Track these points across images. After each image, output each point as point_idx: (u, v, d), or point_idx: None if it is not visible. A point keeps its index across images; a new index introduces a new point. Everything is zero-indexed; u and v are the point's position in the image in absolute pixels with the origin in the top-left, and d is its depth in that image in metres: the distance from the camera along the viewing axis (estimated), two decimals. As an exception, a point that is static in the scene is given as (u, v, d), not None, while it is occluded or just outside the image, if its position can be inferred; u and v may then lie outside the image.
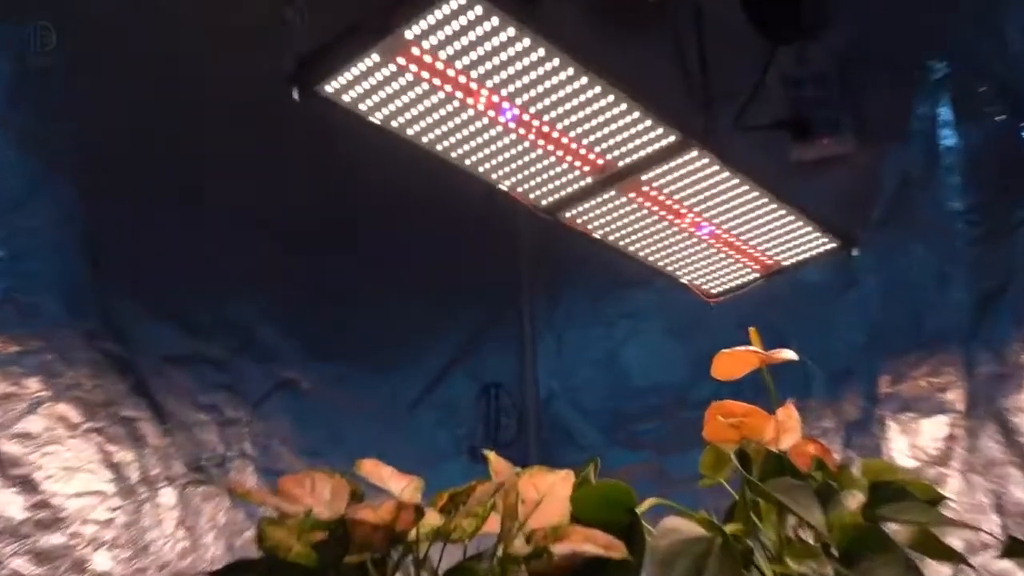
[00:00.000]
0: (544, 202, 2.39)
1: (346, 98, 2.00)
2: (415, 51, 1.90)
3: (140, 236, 2.68)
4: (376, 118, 2.05)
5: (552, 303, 3.73)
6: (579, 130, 2.15)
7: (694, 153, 2.25)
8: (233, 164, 2.90)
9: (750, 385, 1.41)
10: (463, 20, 1.84)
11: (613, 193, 2.37)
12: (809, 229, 2.53)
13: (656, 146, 2.23)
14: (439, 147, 2.16)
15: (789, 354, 1.27)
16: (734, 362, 1.28)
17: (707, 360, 1.36)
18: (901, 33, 3.17)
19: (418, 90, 1.99)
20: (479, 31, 1.87)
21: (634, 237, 2.55)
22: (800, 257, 2.63)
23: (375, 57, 1.90)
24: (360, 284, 3.21)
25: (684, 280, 2.72)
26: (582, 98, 2.06)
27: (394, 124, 2.08)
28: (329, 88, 1.98)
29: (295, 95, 1.94)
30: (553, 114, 2.10)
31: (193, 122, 2.81)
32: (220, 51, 2.81)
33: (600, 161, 2.26)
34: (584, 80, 2.00)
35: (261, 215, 2.95)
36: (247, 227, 2.89)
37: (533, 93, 2.03)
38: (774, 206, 2.45)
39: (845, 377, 3.10)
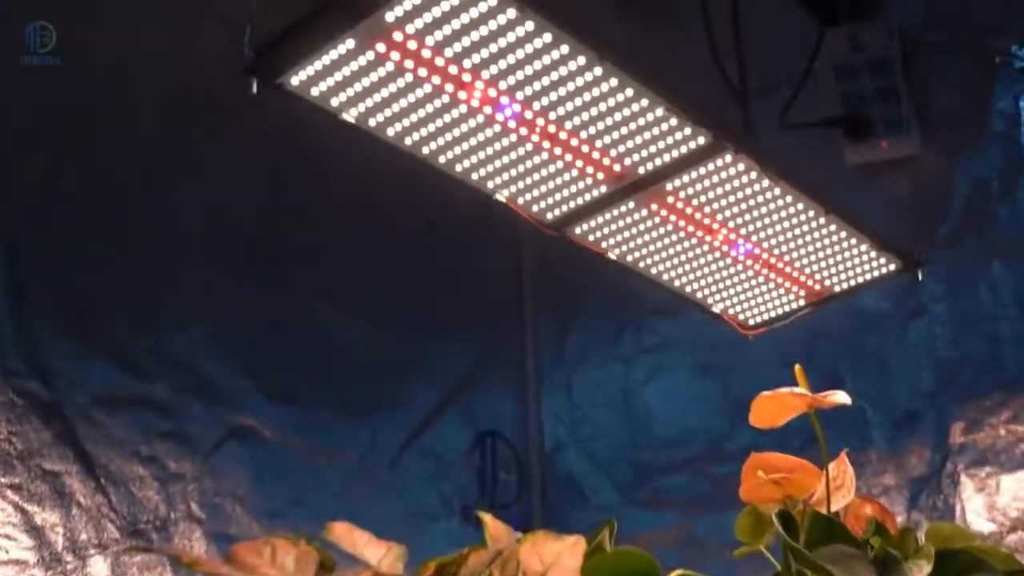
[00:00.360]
0: (550, 215, 2.40)
1: (315, 92, 2.02)
2: (397, 36, 1.92)
3: (68, 259, 2.70)
4: (350, 115, 2.07)
5: (560, 335, 3.75)
6: (592, 130, 2.17)
7: (729, 157, 2.27)
8: (176, 171, 2.93)
9: (796, 434, 1.42)
10: (453, 0, 1.86)
11: (632, 205, 2.39)
12: (866, 248, 2.55)
13: (684, 149, 2.24)
14: (425, 150, 2.18)
15: (842, 397, 1.28)
16: (776, 407, 1.29)
17: (744, 404, 1.37)
18: (979, 12, 3.20)
19: (400, 82, 2.01)
20: (473, 13, 1.89)
21: (657, 257, 2.56)
22: (856, 281, 2.65)
23: (349, 43, 1.93)
24: (329, 311, 3.22)
25: (717, 308, 2.74)
26: (596, 92, 2.08)
27: (371, 123, 2.10)
28: (295, 80, 2.00)
29: (253, 88, 1.96)
30: (561, 111, 2.12)
31: (125, 126, 2.84)
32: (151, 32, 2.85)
33: (617, 167, 2.28)
34: (598, 71, 2.03)
35: (210, 229, 2.97)
36: (193, 246, 2.92)
37: (537, 86, 2.05)
38: (824, 220, 2.47)
39: (910, 424, 3.11)
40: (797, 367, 1.33)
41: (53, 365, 2.63)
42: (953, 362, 3.17)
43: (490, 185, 2.31)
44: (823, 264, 2.60)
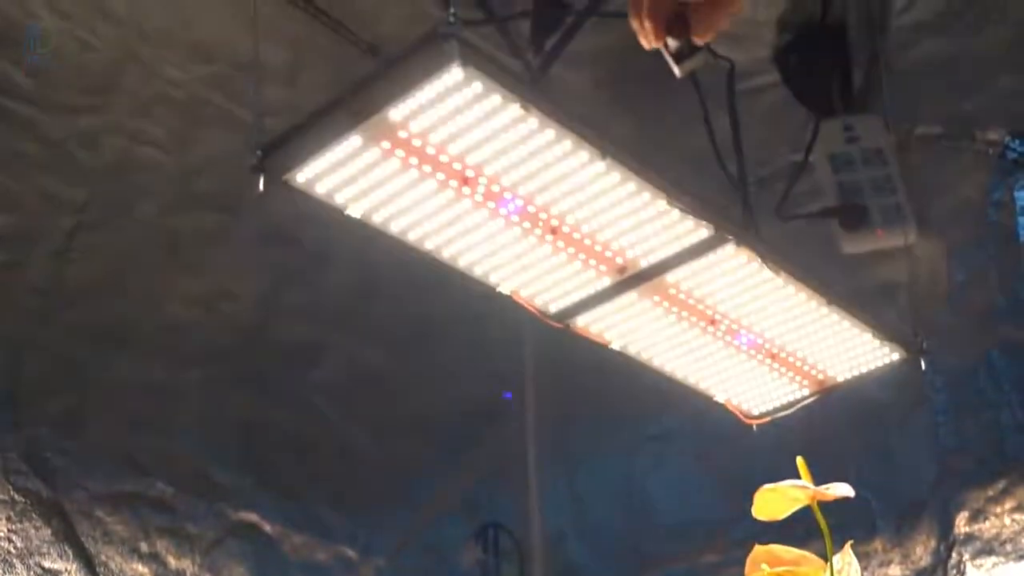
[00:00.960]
0: (553, 308, 2.41)
1: (320, 188, 2.04)
2: (402, 134, 1.94)
3: (68, 352, 2.71)
4: (355, 211, 2.09)
5: (562, 425, 3.73)
6: (594, 224, 2.19)
7: (730, 249, 2.29)
8: (177, 267, 2.94)
9: (800, 522, 1.41)
10: (458, 99, 1.88)
11: (635, 297, 2.39)
12: (869, 337, 2.55)
13: (685, 241, 2.26)
14: (429, 244, 2.19)
15: (845, 489, 1.27)
16: (779, 500, 1.28)
17: (746, 494, 1.37)
18: (970, 104, 3.25)
19: (405, 178, 2.02)
20: (477, 111, 1.91)
21: (660, 348, 2.56)
22: (859, 371, 2.65)
23: (355, 140, 1.94)
24: (329, 407, 3.22)
25: (720, 398, 2.74)
26: (598, 186, 2.09)
27: (376, 218, 2.11)
28: (300, 177, 2.01)
29: (259, 185, 1.97)
30: (564, 205, 2.13)
31: (127, 220, 2.86)
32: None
33: (619, 259, 2.30)
34: (600, 167, 2.05)
35: (210, 325, 2.98)
36: (194, 341, 2.93)
37: (540, 181, 2.07)
38: (826, 310, 2.48)
39: (915, 514, 3.10)
40: (799, 460, 1.33)
41: (53, 463, 2.62)
42: (955, 451, 3.17)
43: (493, 278, 2.32)
44: (826, 354, 2.61)
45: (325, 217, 2.09)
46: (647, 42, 1.21)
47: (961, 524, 3.04)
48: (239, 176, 2.00)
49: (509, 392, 3.47)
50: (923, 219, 3.21)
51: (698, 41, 1.20)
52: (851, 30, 3.19)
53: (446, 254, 2.23)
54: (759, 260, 2.33)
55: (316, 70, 2.91)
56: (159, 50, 2.78)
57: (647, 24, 1.18)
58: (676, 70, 1.29)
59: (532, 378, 3.37)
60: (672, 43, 1.25)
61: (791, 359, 2.63)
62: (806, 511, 1.33)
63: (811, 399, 2.71)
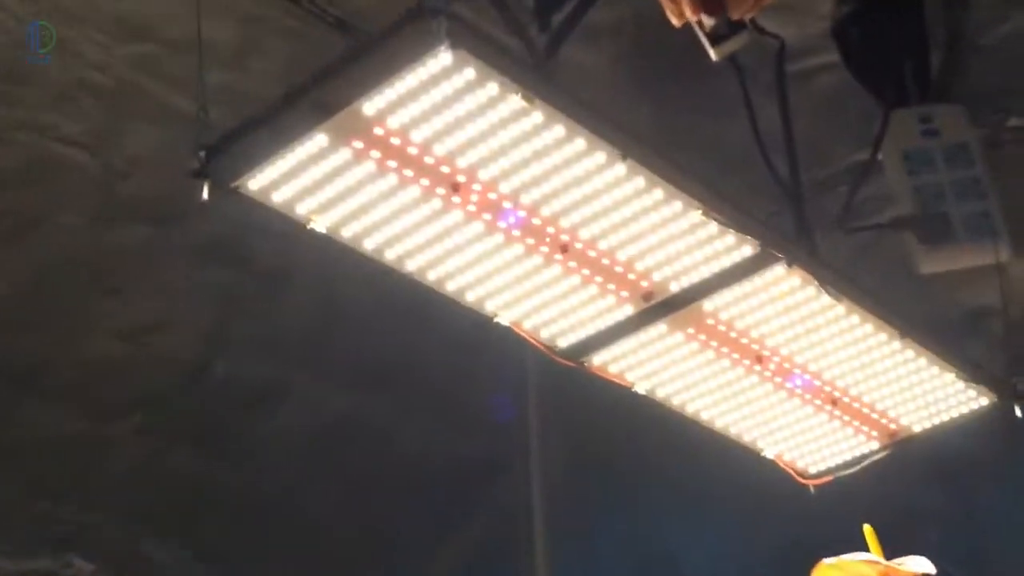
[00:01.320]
0: (563, 342, 2.42)
1: (278, 197, 2.05)
2: (378, 131, 1.95)
3: None
4: (321, 224, 2.10)
5: (576, 481, 3.74)
6: (613, 239, 2.20)
7: (780, 270, 2.30)
8: (100, 291, 2.95)
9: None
10: (446, 88, 1.89)
11: (664, 328, 2.40)
12: (951, 378, 2.56)
13: (725, 261, 2.27)
14: (411, 265, 2.20)
15: (924, 565, 1.29)
16: (842, 577, 1.30)
17: (802, 567, 1.38)
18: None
19: (382, 185, 2.04)
20: (470, 103, 1.92)
21: (695, 391, 2.57)
22: (939, 419, 2.66)
23: (320, 140, 1.96)
24: (286, 459, 3.22)
25: (769, 453, 2.74)
26: (617, 194, 2.11)
27: (346, 233, 2.13)
28: (254, 183, 2.02)
29: (203, 194, 1.98)
30: (576, 217, 2.15)
31: (51, 228, 2.87)
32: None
33: (644, 283, 2.31)
34: (621, 169, 2.06)
35: (142, 364, 2.99)
36: (122, 383, 2.94)
37: (547, 188, 2.08)
38: (898, 345, 2.49)
39: (1010, 594, 3.10)
40: (867, 527, 1.34)
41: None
42: (1059, 514, 3.17)
43: (490, 306, 2.32)
44: (898, 398, 2.62)
45: (283, 231, 2.10)
46: (677, 18, 1.23)
47: (1067, 606, 3.05)
48: (177, 181, 2.01)
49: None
50: (1018, 231, 3.21)
51: (736, 14, 1.21)
52: (927, 0, 3.21)
53: (432, 276, 2.24)
54: (816, 283, 2.34)
55: (272, 51, 2.93)
56: (79, 27, 2.80)
57: (674, 1, 1.20)
58: (712, 52, 1.31)
59: (538, 425, 3.38)
60: (707, 20, 1.27)
61: (856, 405, 2.64)
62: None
63: (881, 454, 2.72)
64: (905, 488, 3.22)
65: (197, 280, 3.10)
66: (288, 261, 2.97)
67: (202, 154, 1.97)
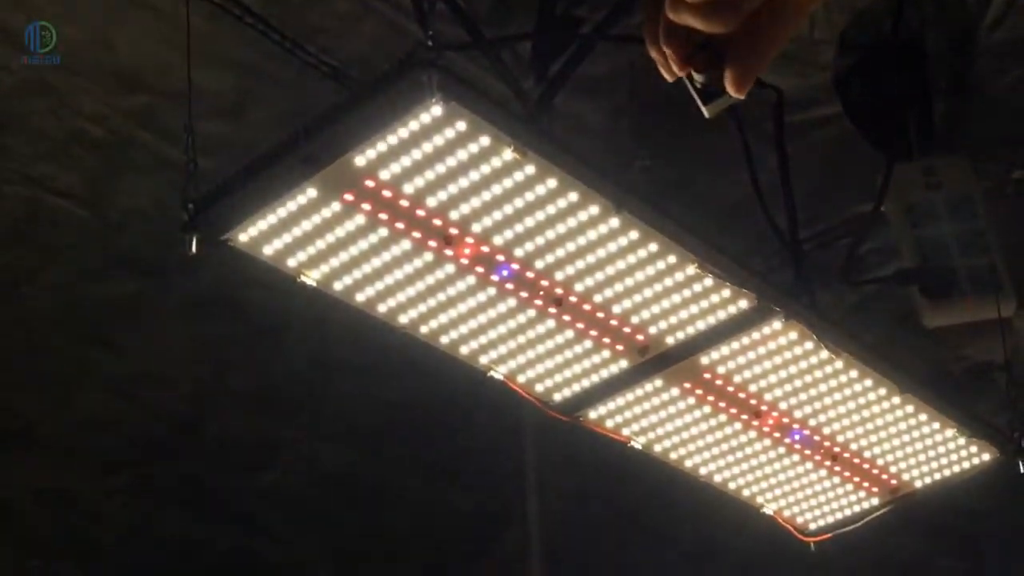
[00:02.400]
0: (558, 397, 2.42)
1: (268, 250, 2.07)
2: (369, 184, 1.97)
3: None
4: (311, 278, 2.11)
5: (574, 539, 3.73)
6: (608, 293, 2.21)
7: (778, 324, 2.30)
8: (92, 345, 2.96)
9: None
10: (437, 140, 1.91)
11: (660, 383, 2.41)
12: (952, 434, 2.56)
13: (722, 314, 2.28)
14: (404, 318, 2.21)
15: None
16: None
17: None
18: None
19: (373, 238, 2.05)
20: (462, 155, 1.94)
21: (692, 447, 2.58)
22: (941, 474, 2.66)
23: (311, 192, 1.97)
24: (280, 517, 3.22)
25: (768, 509, 2.74)
26: (612, 247, 2.12)
27: (337, 286, 2.14)
28: (244, 236, 2.04)
29: (192, 247, 2.00)
30: (570, 270, 2.16)
31: (41, 281, 2.88)
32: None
33: (640, 336, 2.31)
34: (615, 223, 2.07)
35: (133, 419, 2.98)
36: (113, 440, 2.94)
37: (541, 241, 2.10)
38: (898, 400, 2.49)
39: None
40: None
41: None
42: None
43: (484, 360, 2.33)
44: (899, 454, 2.62)
45: (277, 284, 2.11)
46: (668, 74, 1.23)
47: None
48: (171, 233, 2.02)
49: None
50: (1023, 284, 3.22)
51: (730, 89, 1.21)
52: (930, 50, 3.22)
53: (424, 330, 2.25)
54: (814, 338, 2.34)
55: (269, 101, 2.94)
56: (74, 78, 2.82)
57: (664, 56, 1.20)
58: (704, 110, 1.32)
59: (535, 482, 3.37)
60: (698, 76, 1.27)
61: (856, 461, 2.63)
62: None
63: (883, 510, 2.72)
64: (910, 550, 3.21)
65: (190, 334, 3.11)
66: (282, 315, 2.98)
67: (190, 207, 1.99)
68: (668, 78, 1.29)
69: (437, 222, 2.04)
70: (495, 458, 3.44)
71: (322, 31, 2.85)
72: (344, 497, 3.39)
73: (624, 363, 2.36)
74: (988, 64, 3.18)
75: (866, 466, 2.65)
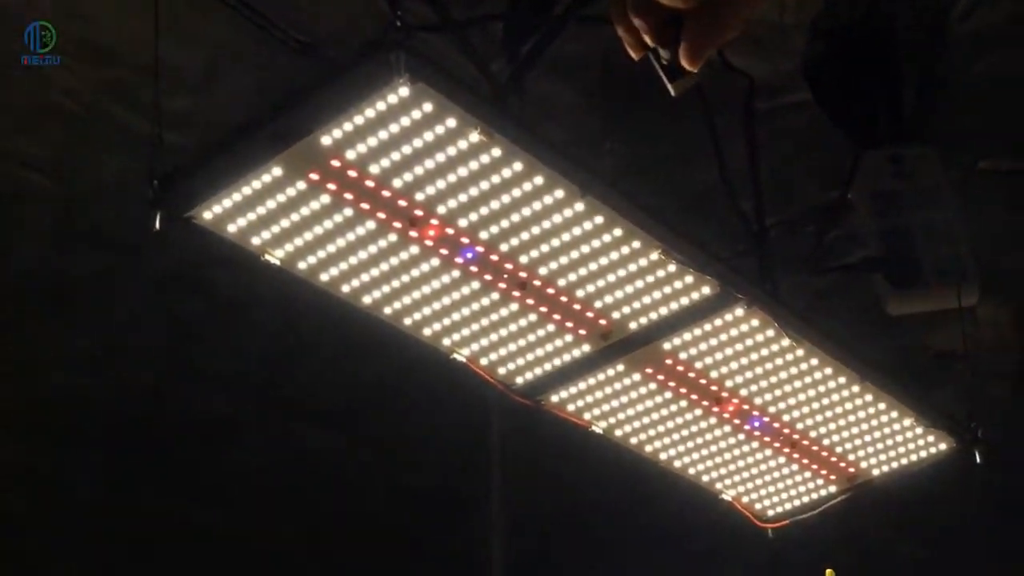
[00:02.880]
0: (521, 380, 2.43)
1: (232, 228, 2.07)
2: (335, 163, 1.97)
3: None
4: (276, 256, 2.11)
5: (537, 523, 3.74)
6: (572, 276, 2.22)
7: (740, 311, 2.31)
8: (59, 319, 2.95)
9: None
10: (404, 121, 1.91)
11: (622, 368, 2.42)
12: (910, 423, 2.58)
13: (685, 300, 2.29)
14: (367, 299, 2.22)
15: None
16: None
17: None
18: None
19: (338, 218, 2.05)
20: (428, 136, 1.94)
21: (653, 432, 2.59)
22: (898, 463, 2.67)
23: (276, 171, 1.97)
24: (246, 494, 3.22)
25: (727, 495, 2.75)
26: (576, 231, 2.12)
27: (302, 265, 2.14)
28: (208, 214, 2.04)
29: (156, 223, 2.00)
30: (534, 254, 2.16)
31: None
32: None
33: (603, 321, 2.32)
34: (580, 207, 2.08)
35: (99, 394, 2.98)
36: (79, 414, 2.93)
37: (506, 224, 2.10)
38: (857, 388, 2.50)
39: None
40: (828, 573, 1.36)
41: None
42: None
43: (447, 342, 2.34)
44: (858, 442, 2.63)
45: (245, 262, 2.12)
46: (635, 51, 1.24)
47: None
48: (139, 209, 2.02)
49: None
50: (988, 275, 3.23)
51: (684, 62, 1.23)
52: (901, 39, 3.23)
53: (388, 311, 2.25)
54: (776, 325, 2.35)
55: (240, 78, 2.94)
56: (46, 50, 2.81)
57: (630, 32, 1.21)
58: (670, 88, 1.32)
59: (499, 466, 3.38)
60: (664, 54, 1.28)
61: (815, 448, 2.65)
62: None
63: (840, 498, 2.73)
64: (869, 537, 3.23)
65: (158, 310, 3.11)
66: (249, 292, 2.97)
67: (156, 183, 1.99)
68: (634, 55, 1.30)
69: (402, 203, 2.04)
70: (461, 439, 3.45)
71: (295, 8, 2.85)
72: (310, 475, 3.39)
73: (587, 347, 2.37)
74: (958, 54, 3.19)
75: (825, 454, 2.66)
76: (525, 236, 2.13)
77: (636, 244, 2.17)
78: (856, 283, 3.19)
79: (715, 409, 2.53)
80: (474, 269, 2.18)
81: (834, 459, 2.67)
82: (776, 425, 2.58)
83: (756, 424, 2.57)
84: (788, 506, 2.75)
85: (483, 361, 2.38)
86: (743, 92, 2.62)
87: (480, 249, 2.14)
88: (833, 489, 2.73)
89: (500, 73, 2.67)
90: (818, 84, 3.27)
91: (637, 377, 2.44)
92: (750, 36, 2.94)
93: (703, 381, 2.47)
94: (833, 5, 3.21)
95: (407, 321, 2.28)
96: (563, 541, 3.74)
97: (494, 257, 2.16)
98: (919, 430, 2.60)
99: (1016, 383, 3.27)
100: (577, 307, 2.28)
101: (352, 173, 1.99)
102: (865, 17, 3.16)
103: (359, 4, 2.83)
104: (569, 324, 2.32)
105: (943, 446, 2.63)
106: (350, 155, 1.96)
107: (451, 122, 1.93)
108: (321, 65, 2.71)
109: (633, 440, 2.60)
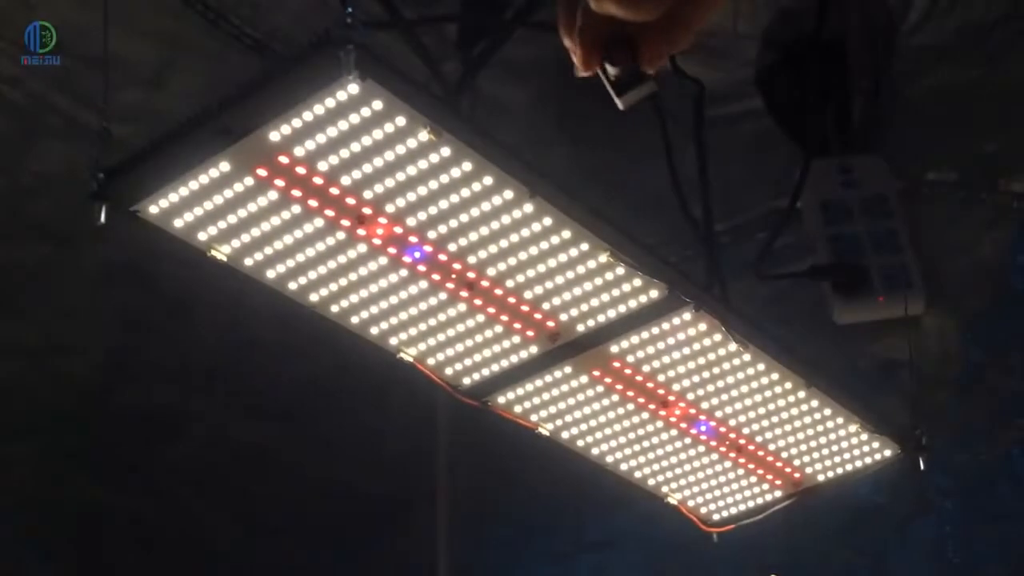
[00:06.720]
0: (467, 380, 2.42)
1: (178, 223, 2.04)
2: (283, 159, 1.95)
3: None
4: (222, 252, 2.09)
5: (483, 525, 3.73)
6: (520, 278, 2.20)
7: (687, 315, 2.30)
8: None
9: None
10: (353, 118, 1.89)
11: (569, 370, 2.41)
12: (855, 429, 2.58)
13: (632, 303, 2.27)
14: (314, 296, 2.20)
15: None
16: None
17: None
18: (997, 144, 3.31)
19: (285, 214, 2.03)
20: (377, 134, 1.92)
21: (599, 435, 2.57)
22: (843, 469, 2.67)
23: (223, 166, 1.95)
24: (188, 489, 3.20)
25: (672, 499, 2.75)
26: (525, 232, 2.11)
27: (248, 262, 2.12)
28: (153, 208, 2.02)
29: (100, 217, 1.97)
30: (482, 254, 2.15)
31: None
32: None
33: (550, 323, 2.31)
34: (528, 208, 2.06)
35: (38, 386, 2.95)
36: (16, 406, 2.90)
37: (454, 224, 2.08)
38: (803, 394, 2.50)
39: (912, 649, 3.12)
40: (773, 577, 1.35)
41: None
42: (967, 569, 3.20)
43: (394, 341, 2.32)
44: (803, 448, 2.63)
45: (190, 257, 2.09)
46: (583, 67, 1.24)
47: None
48: (83, 201, 1.99)
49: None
50: (933, 285, 3.25)
51: (644, 67, 1.22)
52: (851, 50, 3.25)
53: (335, 309, 2.23)
54: (723, 330, 2.34)
55: (190, 71, 2.92)
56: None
57: (579, 48, 1.20)
58: (617, 101, 1.32)
59: (445, 467, 3.37)
60: (612, 69, 1.28)
61: (761, 453, 2.64)
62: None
63: (785, 503, 2.73)
64: (812, 543, 3.24)
65: (101, 303, 3.08)
66: (195, 287, 2.95)
67: (100, 175, 1.96)
68: (584, 73, 1.29)
69: (350, 201, 2.02)
70: (407, 439, 3.44)
71: (246, 3, 2.83)
72: (253, 472, 3.37)
73: (534, 349, 2.35)
74: (906, 67, 3.21)
75: (770, 459, 2.66)
76: (474, 236, 2.11)
77: (585, 246, 2.16)
78: (804, 290, 3.20)
79: (662, 413, 2.52)
80: (422, 268, 2.16)
81: (780, 464, 2.67)
82: (722, 430, 2.57)
83: (702, 428, 2.56)
84: (734, 511, 2.75)
85: (430, 361, 2.36)
86: (693, 99, 2.62)
87: (428, 248, 2.12)
88: (779, 494, 2.73)
89: (452, 73, 2.67)
90: (769, 93, 3.29)
91: (584, 379, 2.43)
92: (703, 44, 2.95)
93: (650, 385, 2.46)
94: (785, 16, 3.23)
95: (354, 319, 2.26)
96: (509, 542, 3.73)
97: (442, 257, 2.15)
98: (864, 436, 2.60)
99: (960, 391, 3.28)
100: (525, 308, 2.27)
101: (300, 170, 1.97)
102: (816, 28, 3.18)
103: (310, 0, 2.82)
104: (517, 325, 2.30)
105: (888, 452, 2.63)
106: (298, 151, 1.94)
107: (400, 120, 1.91)
108: (271, 61, 2.70)
109: (580, 443, 2.59)
